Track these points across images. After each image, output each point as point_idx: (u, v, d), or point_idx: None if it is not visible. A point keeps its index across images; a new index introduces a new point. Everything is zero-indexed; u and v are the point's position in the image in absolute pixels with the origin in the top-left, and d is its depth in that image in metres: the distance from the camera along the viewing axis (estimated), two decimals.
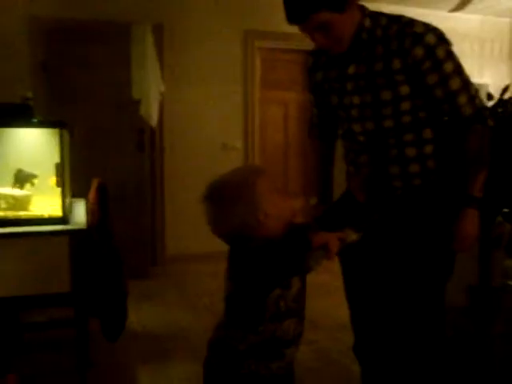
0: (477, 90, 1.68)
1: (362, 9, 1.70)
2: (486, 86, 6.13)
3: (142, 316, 3.61)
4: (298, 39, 5.63)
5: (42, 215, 2.54)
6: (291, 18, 1.61)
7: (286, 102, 5.60)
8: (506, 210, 2.44)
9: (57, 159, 2.50)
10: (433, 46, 1.60)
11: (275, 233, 1.37)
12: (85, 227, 2.47)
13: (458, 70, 1.65)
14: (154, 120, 4.48)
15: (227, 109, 5.19)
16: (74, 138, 2.87)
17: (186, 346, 3.15)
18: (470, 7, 5.13)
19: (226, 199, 1.39)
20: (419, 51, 1.60)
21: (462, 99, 1.64)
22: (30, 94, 2.68)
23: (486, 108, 1.71)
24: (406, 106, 1.66)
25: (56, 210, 2.57)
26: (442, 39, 1.62)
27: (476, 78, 6.25)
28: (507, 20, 6.39)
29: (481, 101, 1.68)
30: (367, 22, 1.68)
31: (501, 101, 2.46)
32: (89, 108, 4.48)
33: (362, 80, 1.70)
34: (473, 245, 1.73)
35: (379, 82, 1.66)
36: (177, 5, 4.95)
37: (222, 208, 1.39)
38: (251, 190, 1.36)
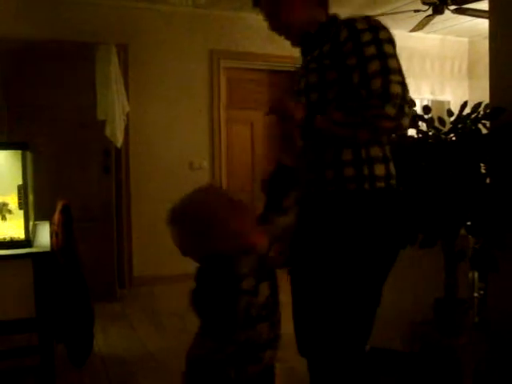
0: (407, 87, 1.56)
1: (331, 15, 1.74)
2: (447, 102, 6.30)
3: (109, 339, 3.55)
4: (264, 59, 5.68)
5: (4, 238, 2.48)
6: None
7: (252, 121, 5.63)
8: (468, 223, 2.48)
9: (19, 181, 2.45)
10: (359, 30, 1.57)
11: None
12: (49, 250, 2.42)
13: (397, 57, 1.59)
14: (119, 141, 4.45)
15: (193, 128, 5.19)
16: (38, 159, 2.83)
17: (154, 368, 3.10)
18: (429, 27, 5.26)
19: (199, 225, 1.43)
20: (343, 34, 1.59)
21: (397, 78, 1.54)
22: None
23: (409, 106, 1.55)
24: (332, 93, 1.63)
25: (19, 233, 2.51)
26: (375, 29, 1.58)
27: (437, 95, 6.43)
28: (466, 40, 6.58)
29: (408, 97, 1.56)
30: (325, 22, 1.72)
31: (460, 117, 2.52)
32: (53, 129, 4.41)
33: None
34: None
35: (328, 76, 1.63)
36: (142, 25, 4.95)
37: (195, 233, 1.43)
38: (222, 224, 1.39)
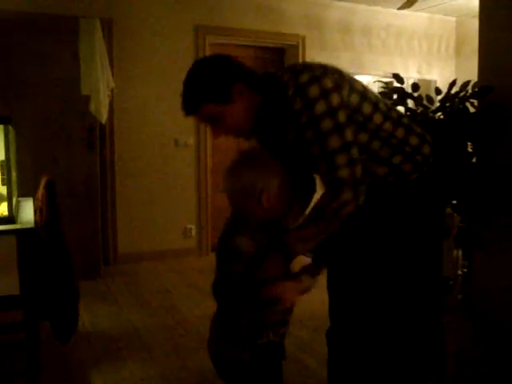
0: (356, 159, 1.55)
1: (264, 84, 1.68)
2: (434, 81, 6.29)
3: (93, 316, 3.54)
4: (249, 35, 5.62)
5: None
6: (185, 111, 1.67)
7: None
8: (454, 201, 2.49)
9: (1, 156, 2.40)
10: (312, 99, 1.52)
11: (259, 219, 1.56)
12: (33, 226, 2.39)
13: (338, 127, 1.53)
14: (103, 117, 4.38)
15: (179, 104, 5.11)
16: (21, 134, 2.77)
17: (139, 344, 3.11)
18: (417, 5, 5.22)
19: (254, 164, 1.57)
20: (298, 104, 1.54)
21: (341, 160, 1.52)
22: None
23: (362, 182, 1.55)
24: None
25: (2, 210, 2.48)
26: (325, 92, 1.53)
27: (424, 74, 6.42)
28: (453, 19, 6.56)
29: (359, 172, 1.55)
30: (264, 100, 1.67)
31: (448, 95, 2.51)
32: (36, 104, 4.34)
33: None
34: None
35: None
36: None
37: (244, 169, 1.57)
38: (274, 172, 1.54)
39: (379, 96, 1.82)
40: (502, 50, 2.51)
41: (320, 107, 1.51)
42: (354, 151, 1.55)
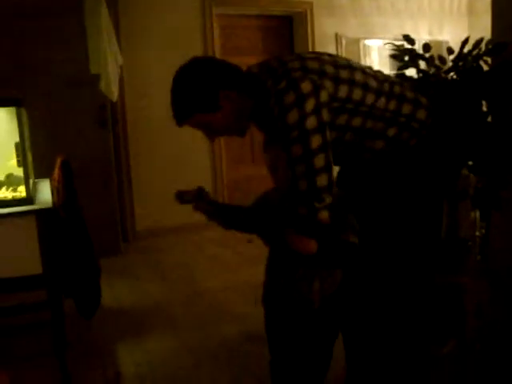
0: (317, 169, 1.56)
1: (253, 88, 1.69)
2: (446, 42, 6.17)
3: (116, 292, 3.60)
4: (256, 4, 5.54)
5: (5, 197, 2.48)
6: (176, 122, 1.71)
7: (247, 67, 5.53)
8: (470, 162, 2.47)
9: (16, 138, 2.42)
10: (286, 107, 1.55)
11: None
12: (51, 206, 2.42)
13: (303, 136, 1.55)
14: (114, 95, 4.37)
15: None
16: (34, 116, 2.79)
17: (162, 317, 3.16)
18: None
19: None
20: (276, 110, 1.58)
21: (299, 169, 1.56)
22: None
23: (324, 191, 1.57)
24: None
25: (20, 191, 2.51)
26: (299, 99, 1.55)
27: (436, 35, 6.30)
28: None
29: (321, 181, 1.57)
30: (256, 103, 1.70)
31: (461, 54, 2.46)
32: (46, 85, 4.34)
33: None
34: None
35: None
36: None
37: None
38: None
39: (369, 70, 1.80)
40: None
41: (291, 116, 1.54)
42: (317, 160, 1.55)
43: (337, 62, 1.71)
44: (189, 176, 5.12)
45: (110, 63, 4.29)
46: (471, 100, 2.36)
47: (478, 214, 2.99)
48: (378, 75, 1.79)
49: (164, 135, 5.00)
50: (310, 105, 1.55)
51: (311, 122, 1.55)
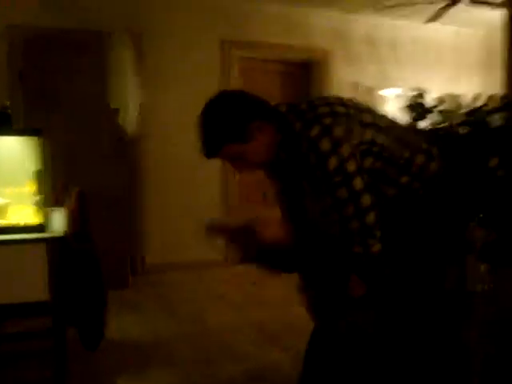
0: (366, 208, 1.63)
1: (281, 124, 1.72)
2: (462, 95, 6.24)
3: (121, 325, 3.60)
4: (276, 49, 5.66)
5: (19, 223, 2.53)
6: (206, 154, 1.71)
7: None
8: (480, 215, 2.49)
9: (35, 167, 2.49)
10: (325, 154, 1.60)
11: None
12: (63, 235, 2.47)
13: (347, 181, 1.62)
14: (132, 129, 4.49)
15: None
16: (54, 146, 2.86)
17: (166, 353, 3.14)
18: (445, 18, 5.22)
19: None
20: (312, 158, 1.63)
21: (349, 211, 1.63)
22: (7, 103, 2.67)
23: (374, 228, 1.65)
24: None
25: (35, 218, 2.56)
26: (335, 145, 1.60)
27: (452, 87, 6.37)
28: (481, 32, 6.52)
29: (370, 219, 1.64)
30: (283, 139, 1.73)
31: (472, 109, 2.51)
32: (68, 116, 4.46)
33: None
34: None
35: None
36: (155, 14, 4.97)
37: None
38: None
39: (390, 119, 1.87)
40: None
41: (331, 162, 1.60)
42: (364, 200, 1.63)
43: (358, 106, 1.78)
44: (201, 213, 5.17)
45: (129, 99, 4.42)
46: (481, 154, 2.39)
47: (486, 267, 2.98)
48: (395, 123, 1.85)
49: (179, 171, 5.07)
50: (346, 149, 1.61)
51: (351, 166, 1.61)
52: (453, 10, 4.87)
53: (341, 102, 1.76)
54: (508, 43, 2.61)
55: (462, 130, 2.50)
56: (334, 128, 1.62)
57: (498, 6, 4.28)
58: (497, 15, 5.47)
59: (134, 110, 4.53)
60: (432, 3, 4.77)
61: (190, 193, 5.15)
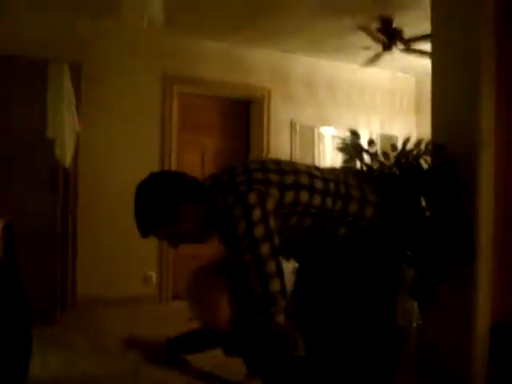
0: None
1: (206, 200, 1.81)
2: (395, 136, 6.50)
3: (48, 364, 3.43)
4: (217, 86, 5.74)
5: None
6: (141, 231, 1.82)
7: (203, 146, 5.66)
8: (409, 253, 2.56)
9: None
10: (235, 220, 1.68)
11: None
12: None
13: (253, 247, 1.67)
14: (67, 160, 4.39)
15: (144, 151, 5.15)
16: None
17: None
18: (380, 63, 5.45)
19: None
20: (227, 224, 1.71)
21: (252, 275, 1.68)
22: None
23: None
24: None
25: None
26: (246, 210, 1.68)
27: (386, 129, 6.63)
28: (413, 77, 6.84)
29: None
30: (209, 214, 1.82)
31: (403, 151, 2.61)
32: (1, 143, 4.32)
33: None
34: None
35: None
36: (96, 44, 4.93)
37: None
38: None
39: (315, 171, 1.92)
40: (452, 108, 2.65)
41: (240, 226, 1.67)
42: (268, 266, 1.66)
43: (282, 168, 1.83)
44: (135, 248, 5.07)
45: (66, 129, 4.34)
46: (411, 195, 2.49)
47: (415, 304, 3.06)
48: (325, 175, 1.89)
49: (114, 204, 4.97)
50: (256, 214, 1.66)
51: (259, 231, 1.65)
52: (388, 56, 5.11)
53: (261, 167, 1.82)
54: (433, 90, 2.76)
55: (394, 172, 2.59)
56: (247, 195, 1.69)
57: (427, 54, 4.52)
58: (427, 62, 5.76)
59: (71, 141, 4.44)
60: (368, 49, 4.99)
61: (124, 227, 5.05)
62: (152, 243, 5.18)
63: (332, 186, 1.84)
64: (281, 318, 1.63)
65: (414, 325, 2.98)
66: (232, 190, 1.73)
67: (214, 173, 1.96)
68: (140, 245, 5.07)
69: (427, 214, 2.58)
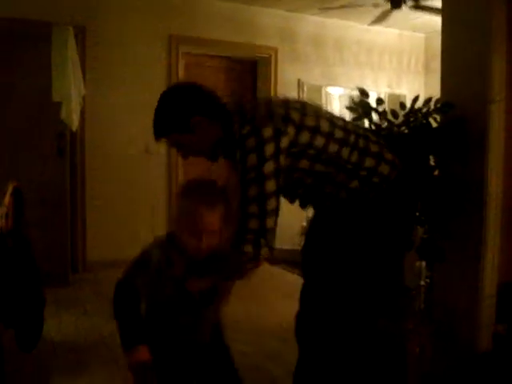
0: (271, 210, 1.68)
1: (224, 123, 1.80)
2: (404, 96, 6.42)
3: (60, 325, 3.50)
4: (222, 46, 5.66)
5: None
6: (155, 135, 1.86)
7: None
8: (417, 213, 2.56)
9: None
10: (247, 151, 1.67)
11: None
12: None
13: (260, 181, 1.67)
14: (74, 124, 4.37)
15: (150, 112, 5.10)
16: None
17: (106, 353, 3.08)
18: (388, 21, 5.34)
19: None
20: (238, 154, 1.71)
21: (252, 209, 1.68)
22: None
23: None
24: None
25: None
26: (260, 144, 1.66)
27: (394, 88, 6.54)
28: (422, 35, 6.71)
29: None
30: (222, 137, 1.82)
31: (412, 110, 2.58)
32: (6, 110, 4.31)
33: None
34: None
35: None
36: (100, 7, 4.86)
37: None
38: None
39: (337, 120, 1.89)
40: (463, 67, 2.60)
41: (250, 159, 1.66)
42: (269, 203, 1.67)
43: (305, 109, 1.80)
44: (144, 210, 5.11)
45: (72, 93, 4.30)
46: (420, 154, 2.46)
47: (423, 264, 3.08)
48: (347, 126, 1.86)
49: (122, 167, 4.99)
50: (269, 150, 1.65)
51: (269, 167, 1.65)
52: (396, 14, 5.00)
53: (284, 104, 1.80)
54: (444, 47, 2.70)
55: (403, 131, 2.57)
56: (263, 128, 1.67)
57: (437, 11, 4.41)
58: (436, 20, 5.64)
59: (77, 104, 4.41)
60: (376, 6, 4.88)
61: (132, 189, 5.08)
62: (162, 203, 5.22)
63: (352, 137, 1.82)
64: (265, 251, 1.68)
65: (422, 283, 3.00)
66: (250, 121, 1.71)
67: (240, 99, 1.98)
68: (149, 206, 5.15)
69: (436, 172, 2.57)
